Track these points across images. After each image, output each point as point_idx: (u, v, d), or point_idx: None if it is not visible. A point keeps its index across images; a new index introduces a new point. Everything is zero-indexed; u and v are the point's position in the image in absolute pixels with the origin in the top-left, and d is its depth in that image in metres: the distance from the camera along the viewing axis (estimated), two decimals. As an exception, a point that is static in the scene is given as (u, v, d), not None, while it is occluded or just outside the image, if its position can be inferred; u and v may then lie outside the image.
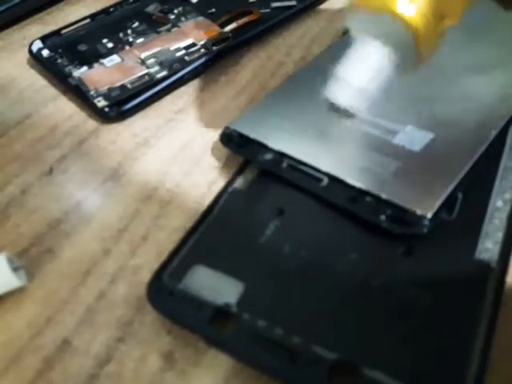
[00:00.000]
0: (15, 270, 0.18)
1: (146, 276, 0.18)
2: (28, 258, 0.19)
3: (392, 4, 0.16)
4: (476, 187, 0.19)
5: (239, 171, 0.21)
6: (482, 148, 0.20)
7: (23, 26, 0.32)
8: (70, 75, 0.27)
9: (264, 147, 0.21)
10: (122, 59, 0.28)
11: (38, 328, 0.17)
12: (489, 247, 0.17)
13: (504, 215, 0.18)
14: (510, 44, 0.25)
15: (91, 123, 0.25)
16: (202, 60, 0.27)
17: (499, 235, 0.17)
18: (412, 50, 0.17)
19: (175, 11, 0.31)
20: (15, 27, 0.32)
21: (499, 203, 0.18)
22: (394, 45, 0.18)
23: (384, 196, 0.18)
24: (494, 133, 0.20)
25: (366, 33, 0.18)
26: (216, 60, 0.28)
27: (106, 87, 0.26)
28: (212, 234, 0.19)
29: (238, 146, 0.22)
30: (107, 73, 0.27)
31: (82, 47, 0.29)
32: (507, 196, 0.19)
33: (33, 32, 0.31)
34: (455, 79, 0.23)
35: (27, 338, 0.17)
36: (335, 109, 0.22)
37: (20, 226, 0.21)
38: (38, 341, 0.17)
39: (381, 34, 0.17)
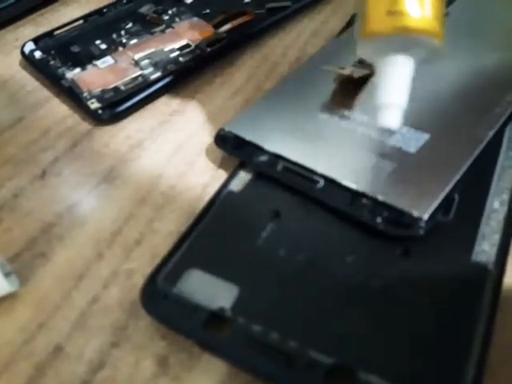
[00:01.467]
0: (7, 275, 0.18)
1: (139, 280, 0.17)
2: (20, 263, 0.19)
3: (407, 22, 0.14)
4: (473, 189, 0.19)
5: (234, 173, 0.21)
6: (479, 149, 0.20)
7: (15, 27, 0.32)
8: (62, 77, 0.26)
9: (259, 149, 0.21)
10: (116, 60, 0.27)
11: (30, 333, 0.17)
12: (485, 249, 0.17)
13: (501, 217, 0.18)
14: (506, 44, 0.25)
15: (84, 125, 0.25)
16: (197, 61, 0.27)
17: (496, 237, 0.17)
18: (433, 52, 0.16)
19: (169, 12, 0.31)
20: (7, 28, 0.31)
21: (496, 205, 0.18)
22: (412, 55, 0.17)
23: (380, 198, 0.18)
24: (490, 134, 0.20)
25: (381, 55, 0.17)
26: (210, 61, 0.28)
27: (100, 89, 0.25)
28: (207, 237, 0.18)
29: (233, 148, 0.21)
30: (100, 74, 0.26)
31: (75, 48, 0.28)
32: (504, 197, 0.18)
33: (25, 33, 0.31)
34: (450, 80, 0.23)
35: (19, 343, 0.17)
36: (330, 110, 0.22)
37: (12, 230, 0.20)
38: (29, 346, 0.17)
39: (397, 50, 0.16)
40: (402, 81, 0.14)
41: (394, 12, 0.14)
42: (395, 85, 0.14)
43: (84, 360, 0.16)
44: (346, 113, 0.22)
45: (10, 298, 0.18)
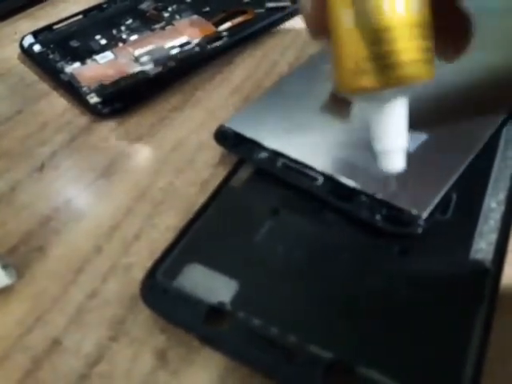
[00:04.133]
0: (4, 267, 0.18)
1: (138, 274, 0.17)
2: (17, 256, 0.19)
3: (406, 72, 0.12)
4: (470, 188, 0.19)
5: (234, 170, 0.21)
6: (476, 149, 0.20)
7: (15, 20, 0.31)
8: (62, 71, 0.26)
9: (259, 146, 0.21)
10: (116, 56, 0.27)
11: (26, 327, 0.17)
12: (483, 247, 0.17)
13: (498, 216, 0.18)
14: (504, 44, 0.25)
15: (83, 120, 0.25)
16: (197, 58, 0.27)
17: (493, 235, 0.17)
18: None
19: (169, 9, 0.31)
20: (6, 22, 0.31)
21: (493, 204, 0.18)
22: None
23: (379, 196, 0.18)
24: (487, 134, 0.20)
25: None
26: (210, 59, 0.28)
27: (99, 84, 0.25)
28: (206, 233, 0.18)
29: (232, 145, 0.21)
30: (100, 69, 0.26)
31: (75, 43, 0.28)
32: (501, 197, 0.19)
33: (24, 27, 0.30)
34: (448, 80, 0.23)
35: (15, 337, 0.17)
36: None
37: (9, 223, 0.20)
38: (26, 340, 0.17)
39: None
40: (400, 124, 0.14)
41: (372, 68, 0.12)
42: (394, 130, 0.13)
43: (82, 354, 0.16)
44: (345, 111, 0.22)
45: (6, 291, 0.18)
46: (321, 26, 0.14)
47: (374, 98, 0.13)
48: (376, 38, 0.12)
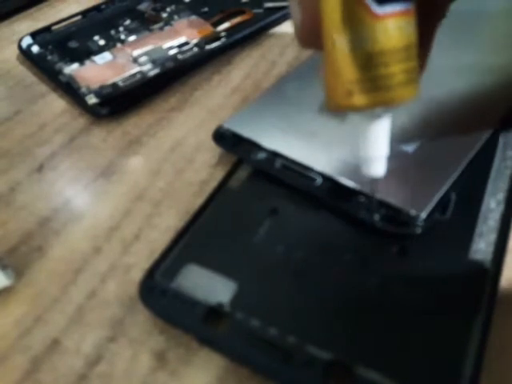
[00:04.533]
0: (3, 268, 0.18)
1: (138, 275, 0.17)
2: (16, 257, 0.19)
3: (396, 94, 0.13)
4: (469, 188, 0.19)
5: (232, 170, 0.21)
6: (475, 149, 0.20)
7: (13, 21, 0.31)
8: (60, 72, 0.26)
9: (257, 146, 0.21)
10: (114, 57, 0.27)
11: (26, 327, 0.17)
12: (482, 247, 0.17)
13: (497, 216, 0.18)
14: (498, 41, 0.25)
15: (82, 120, 0.25)
16: (195, 59, 0.27)
17: (493, 236, 0.17)
18: None
19: (168, 9, 0.31)
20: (5, 23, 0.31)
21: (492, 204, 0.18)
22: None
23: (378, 196, 0.18)
24: (487, 134, 0.20)
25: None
26: (209, 59, 0.28)
27: (98, 85, 0.25)
28: (205, 233, 0.18)
29: (231, 145, 0.21)
30: (99, 70, 0.26)
31: (73, 44, 0.28)
32: (500, 197, 0.19)
33: (23, 28, 0.30)
34: (447, 79, 0.23)
35: (15, 337, 0.17)
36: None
37: (8, 224, 0.20)
38: (26, 340, 0.17)
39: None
40: (383, 134, 0.14)
41: (360, 89, 0.12)
42: (377, 140, 0.14)
43: (81, 354, 0.16)
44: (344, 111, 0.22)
45: (5, 292, 0.18)
46: (310, 38, 0.14)
47: (361, 112, 0.14)
48: (368, 62, 0.12)
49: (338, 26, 0.12)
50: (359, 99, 0.13)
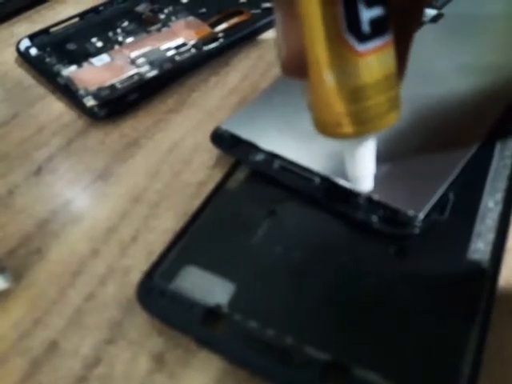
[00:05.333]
0: (1, 271, 0.18)
1: (136, 277, 0.17)
2: (15, 259, 0.19)
3: (381, 123, 0.13)
4: (467, 188, 0.19)
5: (230, 172, 0.21)
6: (474, 149, 0.20)
7: (11, 24, 0.31)
8: (58, 74, 0.26)
9: (255, 148, 0.21)
10: (112, 58, 0.27)
11: (25, 329, 0.17)
12: (481, 247, 0.17)
13: (495, 216, 0.18)
14: (497, 42, 0.25)
15: (80, 123, 0.25)
16: (193, 60, 0.27)
17: (491, 236, 0.17)
18: None
19: (165, 11, 0.31)
20: (3, 25, 0.31)
21: (490, 204, 0.18)
22: None
23: (376, 197, 0.18)
24: (485, 133, 0.20)
25: None
26: (207, 60, 0.28)
27: (96, 87, 0.25)
28: (203, 235, 0.18)
29: (229, 147, 0.22)
30: (96, 72, 0.26)
31: (71, 46, 0.28)
32: (498, 197, 0.19)
33: (21, 30, 0.30)
34: (444, 79, 0.23)
35: (14, 339, 0.17)
36: None
37: (7, 226, 0.20)
38: (25, 343, 0.17)
39: None
40: (369, 155, 0.15)
41: (348, 122, 0.13)
42: (364, 160, 0.15)
43: (80, 356, 0.16)
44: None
45: (4, 294, 0.18)
46: (295, 70, 0.14)
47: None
48: (354, 96, 0.13)
49: (326, 65, 0.13)
50: (348, 129, 0.14)
